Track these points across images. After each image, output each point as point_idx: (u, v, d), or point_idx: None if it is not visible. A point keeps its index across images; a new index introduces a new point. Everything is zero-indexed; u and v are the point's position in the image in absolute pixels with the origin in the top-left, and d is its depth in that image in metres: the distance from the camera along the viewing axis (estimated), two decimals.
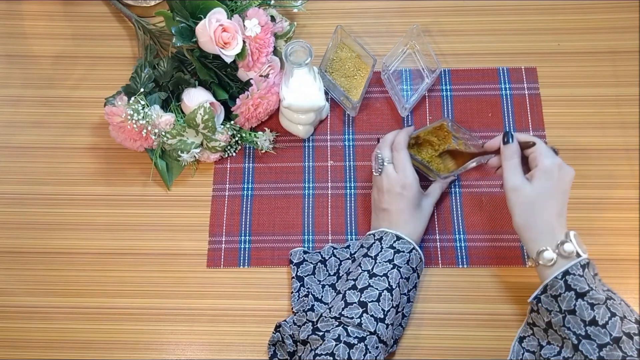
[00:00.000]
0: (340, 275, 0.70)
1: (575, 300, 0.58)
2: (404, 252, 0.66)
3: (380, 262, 0.66)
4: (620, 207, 0.75)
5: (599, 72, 0.82)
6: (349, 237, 0.75)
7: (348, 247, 0.73)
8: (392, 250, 0.66)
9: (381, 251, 0.67)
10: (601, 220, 0.74)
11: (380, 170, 0.70)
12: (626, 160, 0.77)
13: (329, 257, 0.72)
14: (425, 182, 0.75)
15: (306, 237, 0.75)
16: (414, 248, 0.67)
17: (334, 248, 0.73)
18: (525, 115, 0.80)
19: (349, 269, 0.69)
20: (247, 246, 0.75)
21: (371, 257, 0.67)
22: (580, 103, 0.80)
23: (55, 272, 0.75)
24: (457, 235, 0.75)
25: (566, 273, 0.59)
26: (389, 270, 0.65)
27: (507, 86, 0.82)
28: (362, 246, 0.70)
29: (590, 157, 0.77)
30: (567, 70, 0.82)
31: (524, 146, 0.65)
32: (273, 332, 0.68)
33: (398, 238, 0.67)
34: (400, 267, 0.65)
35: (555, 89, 0.81)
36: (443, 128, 0.73)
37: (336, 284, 0.69)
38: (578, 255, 0.60)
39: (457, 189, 0.77)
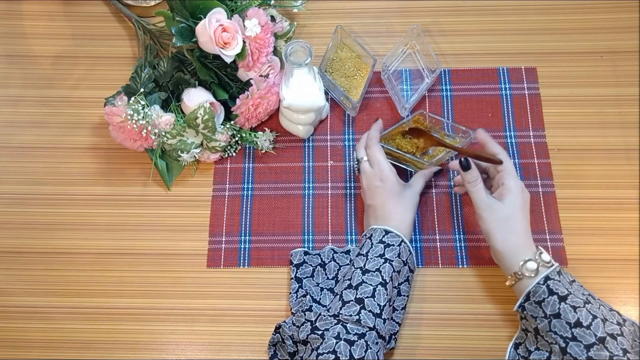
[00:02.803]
0: (339, 279, 0.70)
1: (559, 304, 0.60)
2: (393, 245, 0.67)
3: (371, 258, 0.66)
4: (620, 207, 0.75)
5: (599, 72, 0.82)
6: (349, 237, 0.75)
7: (348, 252, 0.73)
8: (382, 245, 0.67)
9: (372, 247, 0.67)
10: (601, 220, 0.74)
11: (357, 168, 0.73)
12: (626, 160, 0.77)
13: (329, 262, 0.72)
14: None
15: (306, 237, 0.75)
16: (402, 240, 0.67)
17: (334, 252, 0.73)
18: (525, 115, 0.80)
19: (346, 273, 0.69)
20: (247, 246, 0.75)
21: (363, 254, 0.67)
22: (580, 103, 0.80)
23: (55, 272, 0.75)
24: (457, 235, 0.75)
25: (547, 278, 0.61)
26: (381, 265, 0.65)
27: (507, 86, 0.82)
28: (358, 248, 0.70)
29: (590, 157, 0.77)
30: (567, 70, 0.82)
31: (489, 160, 0.68)
32: (273, 334, 0.68)
33: (386, 232, 0.68)
34: (392, 261, 0.66)
35: (555, 89, 0.81)
36: (419, 122, 0.75)
37: (334, 288, 0.70)
38: (552, 264, 0.63)
39: None
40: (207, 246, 0.76)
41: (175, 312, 0.73)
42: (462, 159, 0.67)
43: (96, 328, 0.72)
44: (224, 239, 0.76)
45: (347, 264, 0.71)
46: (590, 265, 0.72)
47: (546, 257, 0.63)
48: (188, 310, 0.73)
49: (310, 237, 0.75)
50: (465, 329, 0.70)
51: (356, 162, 0.73)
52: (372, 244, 0.67)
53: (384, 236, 0.67)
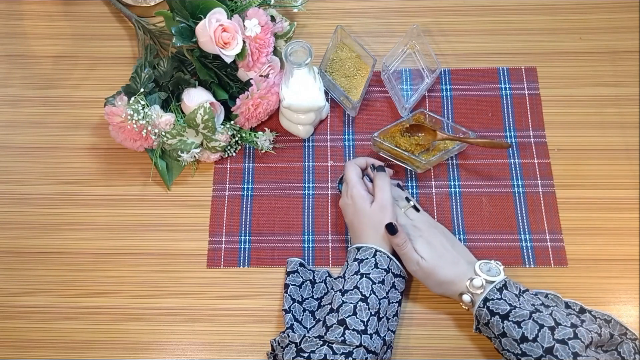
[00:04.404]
0: (322, 305, 0.69)
1: (502, 323, 0.60)
2: (367, 259, 0.66)
3: (348, 278, 0.66)
4: (620, 207, 0.75)
5: (599, 72, 0.82)
6: (349, 237, 0.75)
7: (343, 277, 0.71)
8: (356, 262, 0.67)
9: (347, 267, 0.67)
10: (601, 220, 0.74)
11: (338, 190, 0.76)
12: (626, 160, 0.77)
13: (320, 282, 0.72)
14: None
15: (306, 237, 0.75)
16: (376, 250, 0.67)
17: (329, 275, 0.72)
18: (525, 115, 0.80)
19: (329, 297, 0.69)
20: (247, 246, 0.75)
21: (341, 277, 0.68)
22: (580, 103, 0.80)
23: (55, 272, 0.75)
24: (457, 236, 0.74)
25: (486, 300, 0.62)
26: (357, 282, 0.65)
27: (507, 86, 0.82)
28: None
29: (590, 157, 0.77)
30: (567, 70, 0.82)
31: (498, 146, 0.72)
32: (270, 352, 0.67)
33: (358, 249, 0.68)
34: (369, 274, 0.65)
35: (555, 89, 0.81)
36: (420, 120, 0.76)
37: (316, 312, 0.69)
38: (483, 286, 0.63)
39: (457, 189, 0.77)
40: (207, 246, 0.76)
41: (175, 312, 0.73)
42: (387, 223, 0.66)
43: (96, 328, 0.72)
44: (224, 239, 0.76)
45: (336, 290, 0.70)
46: (590, 265, 0.72)
47: (478, 282, 0.63)
48: (188, 310, 0.73)
49: (310, 237, 0.75)
50: (466, 329, 0.70)
51: (338, 181, 0.76)
52: (347, 264, 0.68)
53: (357, 253, 0.67)
